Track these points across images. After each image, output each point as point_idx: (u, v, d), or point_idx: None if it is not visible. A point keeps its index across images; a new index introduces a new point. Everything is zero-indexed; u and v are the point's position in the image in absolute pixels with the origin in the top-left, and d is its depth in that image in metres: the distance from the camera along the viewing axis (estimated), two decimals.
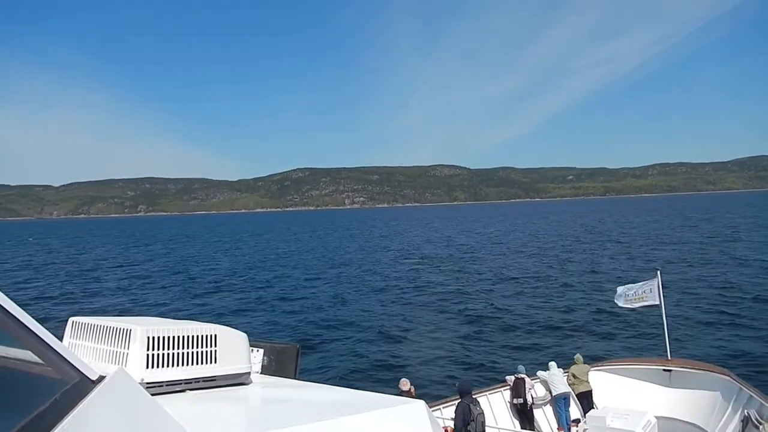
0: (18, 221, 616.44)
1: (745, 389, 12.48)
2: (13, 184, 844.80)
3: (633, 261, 48.99)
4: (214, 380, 3.61)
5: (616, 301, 16.06)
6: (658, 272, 15.22)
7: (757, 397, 11.96)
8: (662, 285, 15.07)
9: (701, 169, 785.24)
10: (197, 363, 3.55)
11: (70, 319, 3.80)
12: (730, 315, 26.90)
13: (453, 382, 17.32)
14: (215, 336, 3.70)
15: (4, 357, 1.79)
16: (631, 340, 23.31)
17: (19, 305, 1.66)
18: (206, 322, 3.93)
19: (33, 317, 1.70)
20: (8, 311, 1.62)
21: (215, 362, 3.63)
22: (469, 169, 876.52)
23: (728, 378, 13.21)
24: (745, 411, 11.82)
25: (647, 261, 47.35)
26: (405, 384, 12.58)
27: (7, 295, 1.63)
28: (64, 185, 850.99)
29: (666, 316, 15.07)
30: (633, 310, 16.88)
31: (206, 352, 3.61)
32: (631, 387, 14.60)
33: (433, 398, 14.25)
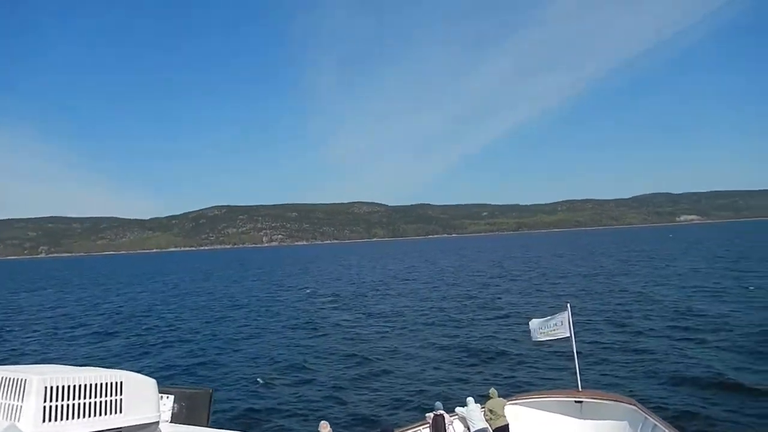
0: None
1: (650, 418, 13.10)
2: None
3: (543, 295, 50.79)
4: None
5: (531, 333, 16.53)
6: (569, 305, 15.85)
7: (661, 426, 12.57)
8: (572, 317, 15.68)
9: (606, 205, 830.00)
10: (101, 414, 3.36)
11: None
12: (632, 344, 28.32)
13: (372, 423, 17.19)
14: (121, 383, 3.53)
15: None
16: (544, 373, 23.98)
17: None
18: (111, 368, 3.75)
19: None
20: None
21: (121, 412, 3.46)
22: (387, 206, 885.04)
23: (634, 407, 13.83)
24: None
25: (556, 295, 49.22)
26: (325, 427, 12.37)
27: None
28: None
29: (576, 348, 15.65)
30: (545, 343, 17.43)
31: (111, 401, 3.43)
32: (545, 419, 14.97)
33: None
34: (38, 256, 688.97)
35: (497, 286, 62.00)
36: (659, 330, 31.27)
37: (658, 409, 15.62)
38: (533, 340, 16.47)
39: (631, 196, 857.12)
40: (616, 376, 22.64)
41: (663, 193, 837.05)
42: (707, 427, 16.93)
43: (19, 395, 3.12)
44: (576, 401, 14.88)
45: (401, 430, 14.17)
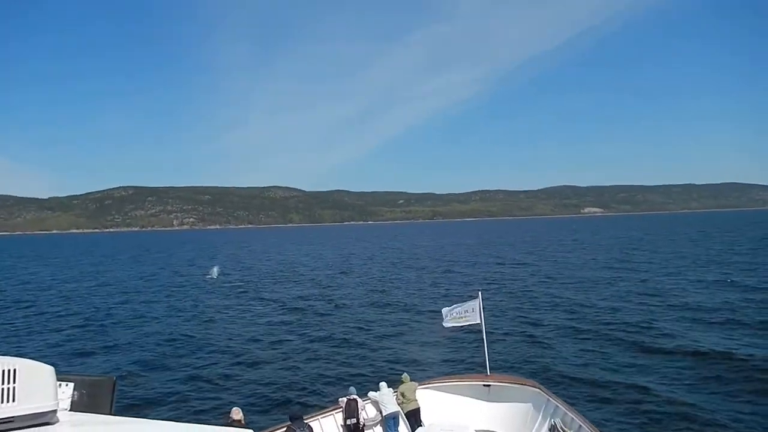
0: None
1: (552, 400, 13.77)
2: None
3: (454, 283, 52.16)
4: (12, 421, 3.25)
5: (443, 320, 16.90)
6: (479, 293, 16.33)
7: (562, 407, 13.25)
8: (483, 305, 16.17)
9: (516, 196, 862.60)
10: None
11: None
12: (537, 330, 29.67)
13: (286, 407, 17.07)
14: (14, 370, 3.36)
15: None
16: (455, 358, 24.68)
17: None
18: (3, 354, 3.49)
19: None
20: None
21: (14, 401, 3.29)
22: (304, 191, 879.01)
23: (538, 390, 14.48)
24: (552, 420, 13.09)
25: (468, 282, 50.71)
26: (237, 413, 12.15)
27: None
28: None
29: (486, 334, 16.17)
30: (456, 328, 17.89)
31: (3, 389, 3.24)
32: (454, 403, 15.39)
33: (264, 426, 13.90)
34: None
35: (409, 273, 63.09)
36: (562, 318, 32.85)
37: (559, 392, 16.42)
38: (445, 326, 16.85)
39: (540, 188, 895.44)
40: (522, 361, 23.64)
41: (570, 186, 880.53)
42: (604, 406, 18.02)
43: None
44: (484, 385, 15.39)
45: (313, 414, 14.16)
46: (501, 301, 39.37)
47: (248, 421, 12.64)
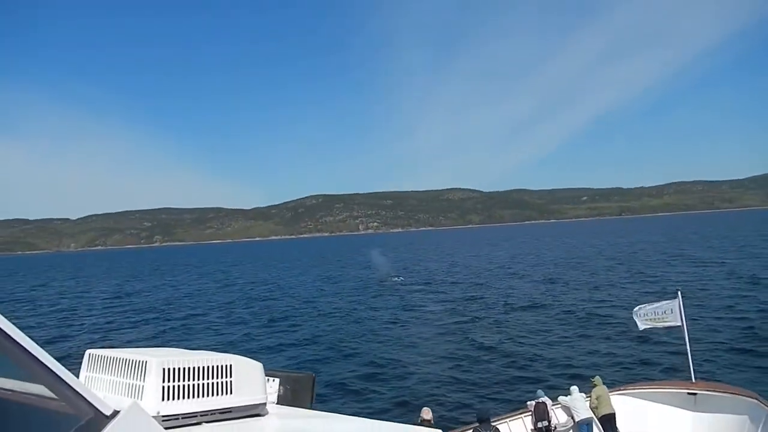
0: (37, 255, 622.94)
1: None
2: (31, 218, 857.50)
3: (650, 282, 48.35)
4: (230, 412, 3.55)
5: (635, 319, 15.73)
6: (679, 293, 14.97)
7: None
8: (683, 306, 14.81)
9: (718, 187, 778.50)
10: (212, 394, 3.49)
11: (87, 352, 3.78)
12: (753, 336, 26.38)
13: (473, 410, 17.06)
14: (230, 366, 3.64)
15: (19, 392, 1.77)
16: (651, 363, 22.86)
17: (33, 339, 1.64)
18: (221, 352, 3.90)
19: (49, 352, 1.68)
20: (22, 345, 1.61)
21: (231, 393, 3.57)
22: (482, 192, 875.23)
23: (756, 401, 12.86)
24: None
25: (665, 282, 46.73)
26: (427, 413, 12.42)
27: (21, 329, 1.62)
28: (81, 218, 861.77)
29: (689, 338, 14.76)
30: (652, 331, 16.57)
31: (221, 383, 3.55)
32: (654, 411, 14.26)
33: (452, 426, 14.03)
34: (153, 245, 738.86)
35: (600, 273, 59.74)
36: None
37: None
38: (640, 328, 15.68)
39: (747, 177, 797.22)
40: (736, 370, 21.17)
41: None
42: None
43: (140, 375, 3.31)
44: (689, 393, 14.07)
45: (502, 417, 14.00)
46: (706, 303, 35.62)
47: (436, 420, 12.85)
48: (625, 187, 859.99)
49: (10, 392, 1.76)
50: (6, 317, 1.57)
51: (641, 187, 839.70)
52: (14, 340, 1.58)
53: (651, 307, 15.52)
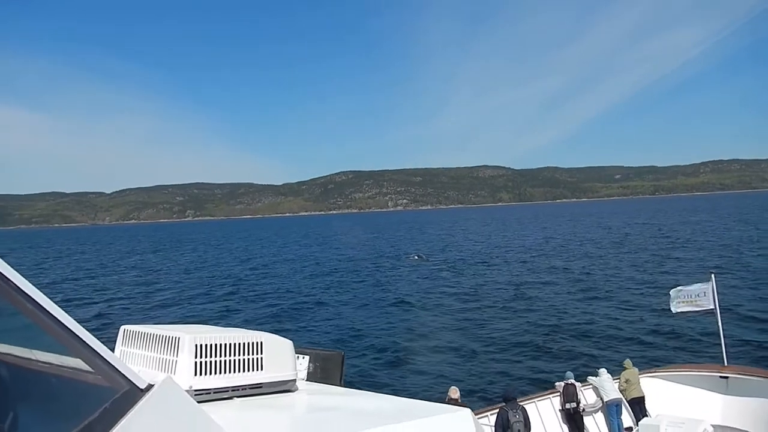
0: (73, 227, 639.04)
1: None
2: (68, 191, 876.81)
3: (684, 263, 47.54)
4: (261, 387, 3.61)
5: (670, 305, 15.48)
6: (713, 275, 14.67)
7: None
8: (717, 289, 14.53)
9: (756, 166, 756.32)
10: (243, 370, 3.57)
11: (122, 327, 3.88)
12: None
13: (500, 389, 17.11)
14: (261, 343, 3.69)
15: (56, 365, 1.82)
16: (682, 346, 22.60)
17: (70, 314, 1.70)
18: (251, 329, 3.95)
19: (85, 326, 1.76)
20: (60, 320, 1.67)
21: (261, 369, 3.63)
22: (513, 169, 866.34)
23: None
24: None
25: (700, 264, 45.88)
26: (455, 392, 12.49)
27: (58, 305, 1.67)
28: (115, 192, 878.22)
29: (721, 322, 14.50)
30: (685, 314, 16.30)
31: (252, 359, 3.61)
32: (684, 394, 14.10)
33: (479, 405, 14.10)
34: (185, 219, 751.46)
35: (632, 254, 58.92)
36: None
37: None
38: (673, 311, 15.44)
39: None
40: (765, 355, 20.78)
41: None
42: None
43: (174, 351, 3.39)
44: (721, 376, 13.86)
45: (529, 397, 14.00)
46: (741, 286, 34.87)
47: (464, 400, 12.91)
48: (659, 165, 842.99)
49: (48, 365, 1.81)
50: (45, 293, 1.62)
51: (676, 166, 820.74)
52: (53, 316, 1.63)
53: (685, 289, 15.25)
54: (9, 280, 1.51)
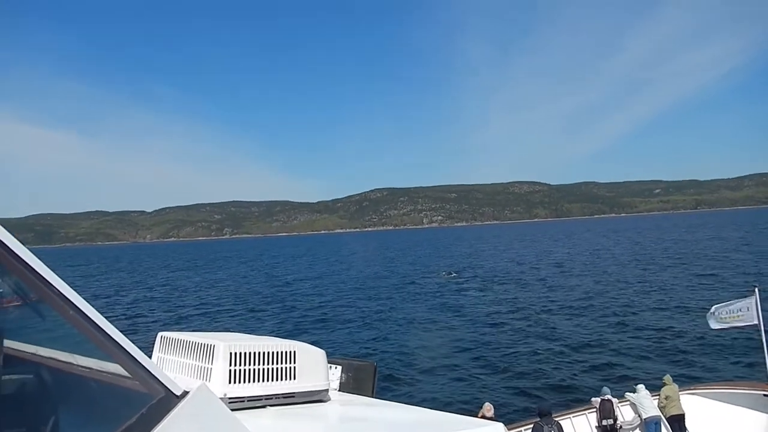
0: (115, 245, 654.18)
1: None
2: (110, 210, 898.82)
3: (727, 279, 46.17)
4: (293, 396, 3.68)
5: (708, 320, 15.13)
6: (756, 289, 14.29)
7: None
8: (760, 303, 14.15)
9: None
10: (277, 379, 3.64)
11: (159, 334, 4.02)
12: None
13: (534, 404, 16.89)
14: (294, 352, 3.77)
15: (96, 370, 1.86)
16: (724, 363, 21.96)
17: (110, 321, 1.75)
18: (285, 338, 4.07)
19: (123, 332, 1.80)
20: (99, 326, 1.71)
21: (294, 379, 3.71)
22: (549, 185, 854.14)
23: None
24: None
25: (743, 278, 44.50)
26: (489, 410, 12.45)
27: (100, 312, 1.72)
28: (156, 210, 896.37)
29: (765, 338, 14.10)
30: (725, 330, 15.86)
31: (285, 368, 3.69)
32: (726, 413, 13.72)
33: (513, 420, 13.96)
34: (223, 237, 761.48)
35: (670, 268, 57.51)
36: None
37: None
38: (712, 327, 15.07)
39: None
40: None
41: None
42: None
43: (209, 358, 3.52)
44: (765, 395, 13.45)
45: (564, 412, 13.81)
46: None
47: (497, 414, 12.81)
48: (701, 179, 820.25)
49: (88, 370, 1.87)
50: (88, 301, 1.68)
51: (719, 179, 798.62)
52: (94, 323, 1.69)
53: (727, 305, 14.89)
54: (53, 287, 1.55)
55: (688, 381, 17.04)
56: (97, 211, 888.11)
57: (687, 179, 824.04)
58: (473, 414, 11.30)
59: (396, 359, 25.72)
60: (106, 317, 1.73)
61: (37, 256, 1.48)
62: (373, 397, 4.57)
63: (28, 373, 1.86)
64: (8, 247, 1.40)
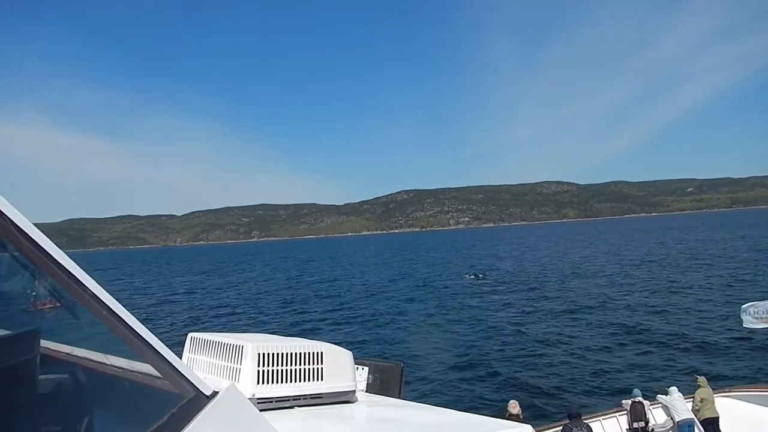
0: (146, 248, 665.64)
1: None
2: (142, 214, 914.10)
3: (757, 279, 45.07)
4: (321, 397, 3.71)
5: (742, 317, 14.82)
6: None
7: None
8: None
9: None
10: (304, 380, 3.66)
11: (189, 335, 4.10)
12: None
13: (562, 407, 16.74)
14: (321, 353, 3.80)
15: (126, 370, 1.89)
16: (760, 365, 21.44)
17: (141, 321, 1.78)
18: (312, 339, 4.12)
19: (155, 333, 1.83)
20: (132, 327, 1.73)
21: (322, 379, 3.73)
22: (578, 184, 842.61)
23: None
24: None
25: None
26: (514, 407, 12.33)
27: (131, 312, 1.75)
28: (185, 214, 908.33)
29: None
30: (758, 331, 15.54)
31: (313, 369, 3.72)
32: (762, 416, 13.41)
33: (541, 422, 13.85)
34: (251, 240, 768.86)
35: (703, 268, 56.38)
36: None
37: None
38: (745, 326, 14.77)
39: None
40: None
41: None
42: None
43: (237, 359, 3.58)
44: None
45: (596, 414, 13.65)
46: None
47: (525, 415, 12.73)
48: (735, 176, 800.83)
49: (120, 370, 1.90)
50: (120, 302, 1.72)
51: (754, 176, 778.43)
52: (127, 324, 1.72)
53: (760, 305, 14.60)
54: (87, 288, 1.58)
55: (722, 382, 16.70)
56: (128, 216, 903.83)
57: (721, 177, 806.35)
58: (501, 414, 11.26)
59: (423, 359, 25.71)
60: (138, 318, 1.77)
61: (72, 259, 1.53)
62: (400, 398, 4.59)
63: (64, 372, 1.90)
64: (45, 250, 1.44)
